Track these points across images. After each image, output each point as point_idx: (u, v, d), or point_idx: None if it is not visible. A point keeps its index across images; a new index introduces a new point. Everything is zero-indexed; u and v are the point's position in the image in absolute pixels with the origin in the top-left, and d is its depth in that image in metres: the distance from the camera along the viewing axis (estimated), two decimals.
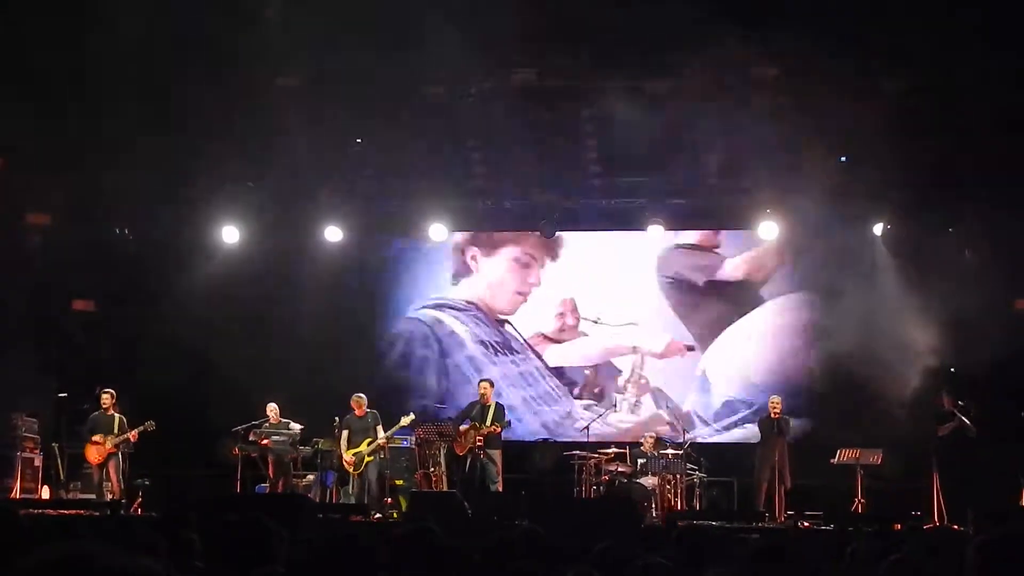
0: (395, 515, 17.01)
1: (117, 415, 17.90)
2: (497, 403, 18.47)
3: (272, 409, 18.40)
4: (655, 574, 5.06)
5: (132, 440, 17.80)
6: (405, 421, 18.21)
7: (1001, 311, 18.31)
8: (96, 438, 17.66)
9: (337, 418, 18.14)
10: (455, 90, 17.87)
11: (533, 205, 20.85)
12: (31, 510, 14.47)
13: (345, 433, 18.04)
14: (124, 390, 18.29)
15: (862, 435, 18.06)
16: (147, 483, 18.28)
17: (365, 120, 18.32)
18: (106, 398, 17.95)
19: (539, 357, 21.36)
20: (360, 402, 18.20)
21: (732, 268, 21.07)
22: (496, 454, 17.95)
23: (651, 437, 18.70)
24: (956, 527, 14.97)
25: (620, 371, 21.14)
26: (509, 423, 18.48)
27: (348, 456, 17.93)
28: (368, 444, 17.90)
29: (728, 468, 19.12)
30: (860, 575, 4.16)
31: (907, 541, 4.94)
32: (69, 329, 20.30)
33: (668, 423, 20.18)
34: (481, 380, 19.00)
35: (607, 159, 19.66)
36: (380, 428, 18.06)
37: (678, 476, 17.90)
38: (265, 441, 18.12)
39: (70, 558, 1.46)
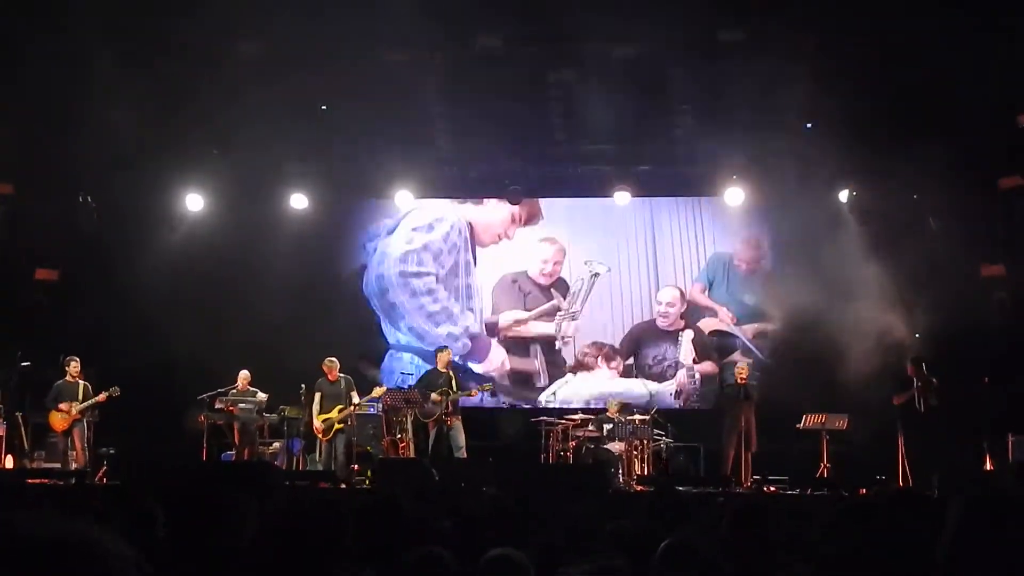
0: (366, 482, 16.99)
1: (82, 383, 17.82)
2: (455, 370, 18.59)
3: (243, 376, 18.33)
4: (623, 538, 5.05)
5: (101, 401, 17.70)
6: (376, 392, 18.22)
7: (966, 277, 18.40)
8: (61, 405, 17.58)
9: (304, 385, 18.10)
10: (419, 56, 17.76)
11: (499, 172, 20.82)
12: None
13: (317, 396, 18.01)
14: (89, 359, 18.20)
15: (828, 400, 18.13)
16: (112, 452, 18.17)
17: (329, 87, 18.20)
18: (73, 366, 17.86)
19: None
20: (332, 366, 18.17)
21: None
22: (459, 421, 18.04)
23: (616, 402, 18.74)
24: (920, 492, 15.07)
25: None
26: (493, 387, 18.74)
27: (318, 422, 17.90)
28: (339, 411, 17.88)
29: (694, 434, 19.17)
30: (834, 541, 4.15)
31: (877, 506, 4.93)
32: (32, 298, 20.13)
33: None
34: (439, 348, 19.01)
35: (573, 126, 19.62)
36: (355, 394, 18.06)
37: (645, 442, 17.96)
38: (231, 408, 18.06)
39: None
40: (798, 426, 18.06)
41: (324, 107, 19.02)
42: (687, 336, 21.04)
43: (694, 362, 20.97)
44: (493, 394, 19.94)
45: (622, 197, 20.51)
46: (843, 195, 19.80)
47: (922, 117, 17.29)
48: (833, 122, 17.74)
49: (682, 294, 21.28)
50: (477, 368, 21.17)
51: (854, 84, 17.10)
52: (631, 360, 20.99)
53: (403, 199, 20.71)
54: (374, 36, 16.82)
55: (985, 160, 18.38)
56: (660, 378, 20.93)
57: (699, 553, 4.04)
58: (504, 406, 20.74)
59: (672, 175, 20.64)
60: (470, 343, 21.34)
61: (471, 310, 21.53)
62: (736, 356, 20.63)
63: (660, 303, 21.28)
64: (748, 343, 20.71)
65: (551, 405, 20.73)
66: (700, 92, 17.97)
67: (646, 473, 17.60)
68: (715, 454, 18.55)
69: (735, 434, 17.93)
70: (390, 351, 21.42)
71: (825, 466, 17.68)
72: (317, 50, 17.17)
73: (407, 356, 21.29)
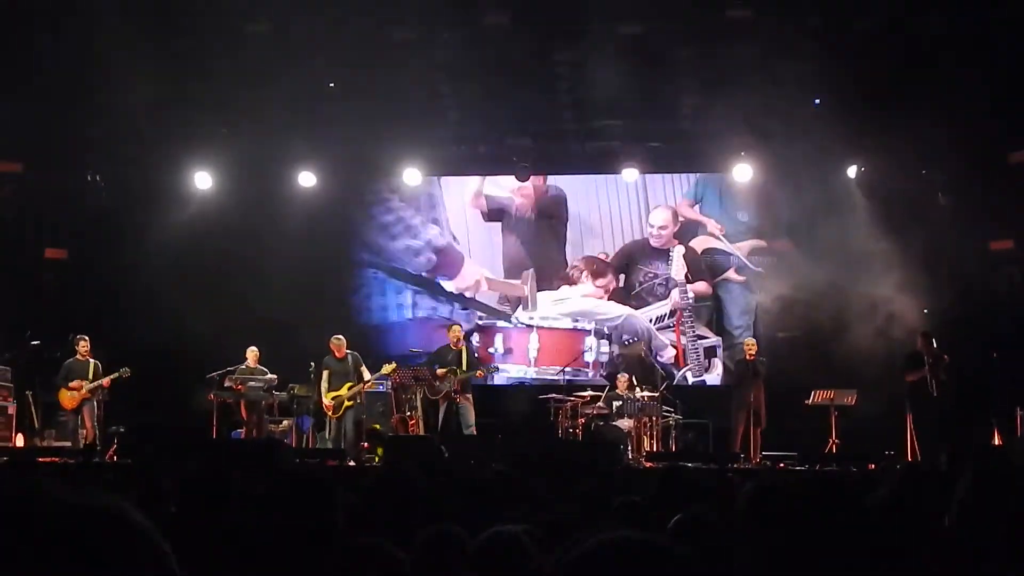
0: (376, 459, 17.03)
1: (92, 361, 17.86)
2: (467, 347, 18.57)
3: (252, 352, 18.33)
4: (633, 513, 5.06)
5: (105, 387, 17.78)
6: (386, 370, 18.24)
7: (976, 253, 18.39)
8: (71, 384, 17.63)
9: (312, 363, 18.13)
10: (427, 34, 17.72)
11: (507, 149, 20.81)
12: (4, 458, 14.51)
13: (325, 374, 18.04)
14: (98, 338, 18.23)
15: (836, 376, 18.13)
16: (122, 430, 18.22)
17: (338, 64, 18.17)
18: (82, 344, 17.91)
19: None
20: (339, 344, 18.18)
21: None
22: (469, 398, 18.02)
23: (625, 379, 18.74)
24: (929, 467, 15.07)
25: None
26: (497, 368, 18.71)
27: (328, 400, 17.91)
28: (349, 388, 17.90)
29: (704, 410, 19.19)
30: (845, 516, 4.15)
31: (883, 480, 4.94)
32: (42, 278, 20.18)
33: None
34: (451, 325, 19.02)
35: (581, 102, 19.60)
36: (365, 370, 18.11)
37: (654, 418, 17.98)
38: (240, 387, 18.07)
39: (19, 495, 1.42)
40: (807, 402, 18.07)
41: (332, 84, 18.99)
42: (678, 252, 21.02)
43: (686, 279, 20.94)
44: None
45: (630, 174, 20.52)
46: (851, 171, 19.78)
47: (930, 92, 17.25)
48: (841, 98, 17.73)
49: (674, 214, 21.27)
50: (449, 286, 21.24)
51: (862, 60, 17.05)
52: (622, 280, 21.09)
53: (411, 177, 20.69)
54: (382, 14, 16.79)
55: (994, 135, 18.34)
56: (650, 295, 21.05)
57: (712, 528, 4.03)
58: (513, 383, 20.80)
59: (680, 151, 20.61)
60: (435, 257, 21.32)
61: (435, 222, 21.57)
62: (731, 274, 20.90)
63: (652, 226, 21.27)
64: (743, 259, 20.90)
65: (530, 322, 20.98)
66: (707, 68, 17.92)
67: (655, 450, 17.63)
68: (724, 431, 18.56)
69: (744, 410, 17.94)
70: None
71: (834, 442, 17.70)
72: (325, 28, 17.14)
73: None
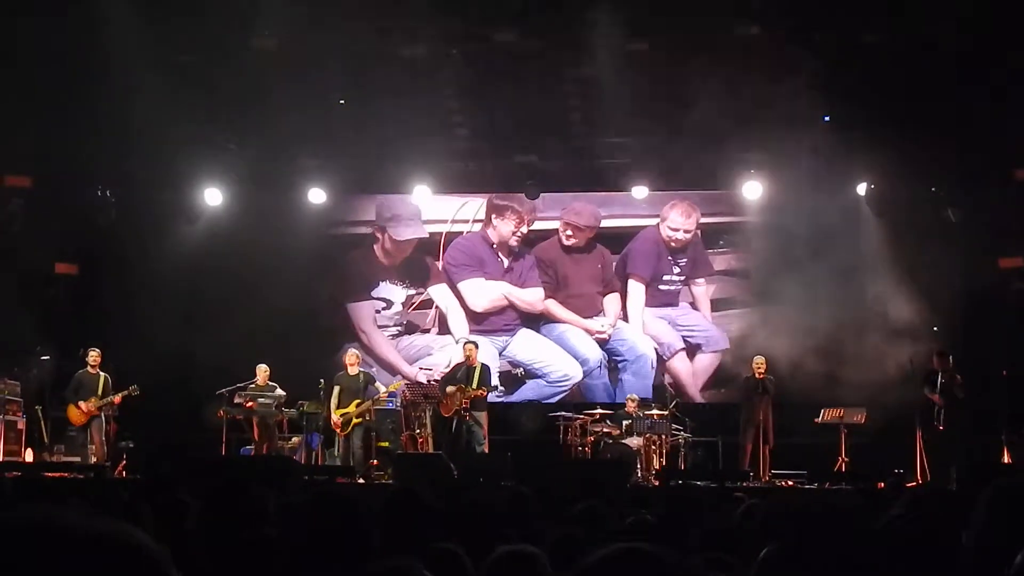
0: (385, 477, 17.03)
1: (103, 374, 17.87)
2: (483, 364, 18.46)
3: (262, 370, 18.31)
4: (644, 531, 5.06)
5: (115, 403, 17.78)
6: (394, 386, 18.24)
7: (985, 269, 18.37)
8: (80, 400, 17.62)
9: (322, 380, 18.14)
10: (436, 50, 17.76)
11: (516, 166, 20.81)
12: (14, 473, 14.51)
13: (336, 390, 18.05)
14: (107, 353, 18.23)
15: (845, 394, 18.11)
16: (131, 446, 18.22)
17: (347, 81, 18.22)
18: (93, 356, 17.91)
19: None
20: (353, 359, 18.23)
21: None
22: (482, 416, 17.97)
23: (634, 399, 18.74)
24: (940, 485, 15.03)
25: None
26: (496, 386, 18.59)
27: (336, 416, 17.92)
28: (357, 405, 17.90)
29: (712, 428, 19.16)
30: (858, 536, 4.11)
31: (893, 500, 4.93)
32: (51, 292, 20.19)
33: None
34: (466, 342, 18.96)
35: (590, 120, 19.62)
36: (379, 386, 18.17)
37: (663, 437, 17.95)
38: (250, 403, 18.05)
39: (36, 526, 1.43)
40: (816, 420, 18.05)
41: (342, 101, 19.02)
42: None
43: None
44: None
45: (639, 191, 20.52)
46: (861, 188, 19.78)
47: (939, 109, 17.26)
48: (851, 114, 17.74)
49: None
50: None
51: (871, 77, 17.08)
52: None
53: (420, 194, 20.72)
54: (392, 30, 16.84)
55: (1002, 151, 18.37)
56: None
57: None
58: (524, 401, 20.76)
59: (689, 169, 20.56)
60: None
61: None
62: None
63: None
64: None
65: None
66: (717, 85, 17.94)
67: (664, 468, 17.60)
68: (733, 448, 18.53)
69: (752, 428, 17.91)
70: None
71: (843, 460, 17.66)
72: (335, 44, 17.19)
73: None
